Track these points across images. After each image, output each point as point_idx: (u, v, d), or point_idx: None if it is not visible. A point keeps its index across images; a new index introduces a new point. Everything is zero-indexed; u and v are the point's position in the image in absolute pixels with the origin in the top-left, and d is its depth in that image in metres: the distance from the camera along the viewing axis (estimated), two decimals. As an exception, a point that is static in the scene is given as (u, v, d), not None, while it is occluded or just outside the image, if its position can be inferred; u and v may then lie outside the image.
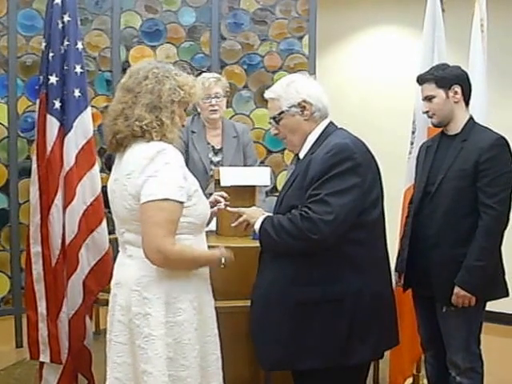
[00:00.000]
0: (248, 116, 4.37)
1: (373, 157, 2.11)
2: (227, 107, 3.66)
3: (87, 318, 2.95)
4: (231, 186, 2.71)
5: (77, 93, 2.87)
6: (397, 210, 3.04)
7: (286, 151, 4.22)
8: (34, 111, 3.41)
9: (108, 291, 2.07)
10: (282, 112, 2.13)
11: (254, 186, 2.89)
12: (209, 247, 2.10)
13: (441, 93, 2.57)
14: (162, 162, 1.86)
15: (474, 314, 2.52)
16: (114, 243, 2.30)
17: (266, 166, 3.98)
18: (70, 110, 2.87)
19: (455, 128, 2.59)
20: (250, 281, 2.18)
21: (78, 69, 2.89)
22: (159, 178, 1.84)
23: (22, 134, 4.01)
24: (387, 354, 2.52)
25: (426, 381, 2.93)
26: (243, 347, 2.53)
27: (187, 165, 2.05)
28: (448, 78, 2.56)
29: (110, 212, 2.11)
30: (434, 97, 2.58)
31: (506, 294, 2.59)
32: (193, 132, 3.43)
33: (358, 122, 3.59)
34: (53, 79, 2.86)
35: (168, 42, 4.31)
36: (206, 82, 3.31)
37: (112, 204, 2.03)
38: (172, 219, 1.85)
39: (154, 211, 1.83)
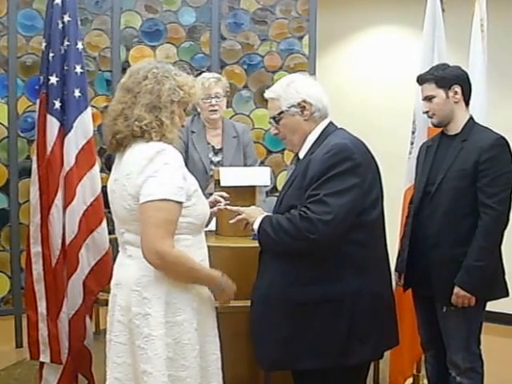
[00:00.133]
0: (248, 116, 4.37)
1: (372, 157, 2.11)
2: (227, 107, 3.66)
3: (87, 318, 2.95)
4: (231, 186, 2.71)
5: (77, 93, 2.87)
6: (397, 210, 3.04)
7: (286, 151, 4.22)
8: (34, 111, 3.41)
9: (108, 291, 2.07)
10: (282, 112, 2.13)
11: (254, 186, 2.89)
12: (208, 247, 2.10)
13: (441, 93, 2.57)
14: (161, 163, 1.86)
15: (474, 314, 2.52)
16: (114, 243, 2.29)
17: (266, 166, 3.98)
18: (70, 110, 2.87)
19: (455, 128, 2.59)
20: (250, 281, 2.18)
21: (78, 69, 2.89)
22: (158, 178, 1.84)
23: (22, 134, 4.01)
24: (387, 354, 2.52)
25: (426, 381, 2.94)
26: (243, 347, 2.53)
27: (187, 165, 2.05)
28: (448, 78, 2.56)
29: (109, 212, 2.11)
30: (434, 97, 2.58)
31: (506, 294, 2.59)
32: (193, 132, 3.42)
33: (358, 122, 3.60)
34: (53, 79, 2.86)
35: (168, 42, 4.31)
36: (206, 82, 3.31)
37: (112, 204, 2.03)
38: (171, 219, 1.85)
39: (152, 211, 1.83)
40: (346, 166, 1.97)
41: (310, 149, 2.11)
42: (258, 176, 2.92)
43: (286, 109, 2.11)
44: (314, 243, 1.96)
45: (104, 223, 2.93)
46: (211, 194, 2.36)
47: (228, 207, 2.24)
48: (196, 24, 4.34)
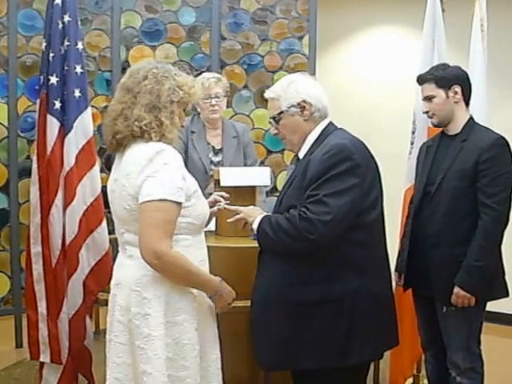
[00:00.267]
0: (248, 116, 4.37)
1: (372, 157, 2.11)
2: (227, 107, 3.66)
3: (87, 318, 2.95)
4: (231, 186, 2.71)
5: (77, 93, 2.87)
6: (397, 210, 3.04)
7: (286, 151, 4.22)
8: (34, 111, 3.41)
9: (108, 291, 2.07)
10: (282, 112, 2.12)
11: (254, 187, 2.89)
12: (208, 247, 2.10)
13: (441, 93, 2.57)
14: (160, 163, 1.86)
15: (474, 314, 2.52)
16: (114, 243, 2.29)
17: (266, 166, 3.98)
18: (70, 110, 2.87)
19: (455, 128, 2.59)
20: (249, 281, 2.18)
21: (79, 69, 2.89)
22: (158, 178, 1.84)
23: (22, 134, 4.01)
24: (387, 354, 2.52)
25: (426, 381, 2.93)
26: (243, 347, 2.53)
27: (186, 165, 2.05)
28: (448, 78, 2.56)
29: (109, 212, 2.11)
30: (434, 97, 2.58)
31: (506, 294, 2.59)
32: (192, 132, 3.42)
33: (358, 122, 3.61)
34: (53, 79, 2.86)
35: (168, 42, 4.31)
36: (206, 82, 3.31)
37: (112, 204, 2.03)
38: (169, 220, 1.85)
39: (151, 211, 1.83)
40: (346, 166, 1.97)
41: (309, 149, 2.11)
42: (258, 176, 2.92)
43: (285, 109, 2.11)
44: (313, 243, 1.96)
45: (104, 223, 2.93)
46: (211, 194, 2.36)
47: (227, 206, 2.25)
48: (196, 24, 4.34)
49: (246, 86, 4.38)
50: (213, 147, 3.45)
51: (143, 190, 1.85)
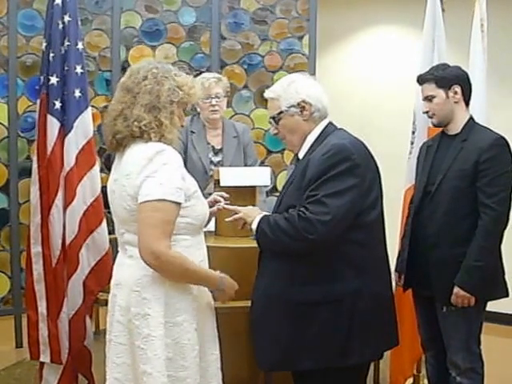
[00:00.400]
0: (248, 116, 4.37)
1: (372, 157, 2.11)
2: (227, 107, 3.66)
3: (87, 318, 2.95)
4: (231, 186, 2.71)
5: (77, 93, 2.88)
6: (397, 210, 3.04)
7: (286, 151, 4.22)
8: (34, 111, 3.41)
9: (108, 291, 2.07)
10: (282, 112, 2.12)
11: (254, 187, 2.89)
12: (208, 247, 2.10)
13: (441, 93, 2.57)
14: (160, 163, 1.86)
15: (475, 314, 2.52)
16: (114, 243, 2.29)
17: (266, 166, 3.98)
18: (70, 110, 2.87)
19: (455, 128, 2.59)
20: (250, 281, 2.17)
21: (79, 69, 2.89)
22: (157, 178, 1.84)
23: (22, 134, 4.01)
24: (387, 354, 2.52)
25: (426, 381, 2.93)
26: (243, 347, 2.53)
27: (186, 165, 2.05)
28: (448, 78, 2.56)
29: (109, 212, 2.11)
30: (434, 97, 2.58)
31: (506, 294, 2.59)
32: (192, 132, 3.42)
33: (358, 122, 3.61)
34: (53, 79, 2.86)
35: (168, 42, 4.31)
36: (206, 82, 3.31)
37: (112, 204, 2.03)
38: (168, 220, 1.85)
39: (149, 211, 1.83)
40: (345, 166, 1.97)
41: (309, 149, 2.11)
42: (258, 176, 2.92)
43: (285, 109, 2.11)
44: (312, 243, 1.96)
45: (104, 223, 2.93)
46: (211, 194, 2.36)
47: (226, 206, 2.25)
48: (196, 24, 4.34)
49: (246, 86, 4.38)
50: (213, 147, 3.45)
51: (142, 190, 1.85)
